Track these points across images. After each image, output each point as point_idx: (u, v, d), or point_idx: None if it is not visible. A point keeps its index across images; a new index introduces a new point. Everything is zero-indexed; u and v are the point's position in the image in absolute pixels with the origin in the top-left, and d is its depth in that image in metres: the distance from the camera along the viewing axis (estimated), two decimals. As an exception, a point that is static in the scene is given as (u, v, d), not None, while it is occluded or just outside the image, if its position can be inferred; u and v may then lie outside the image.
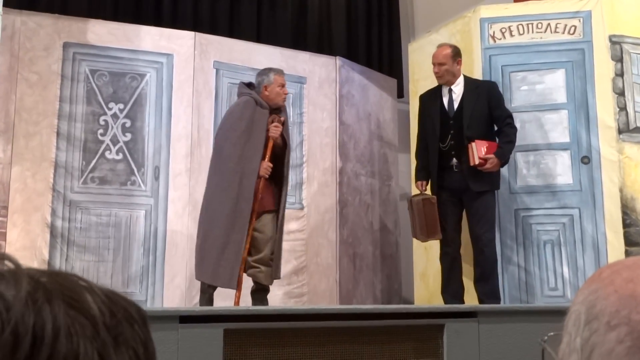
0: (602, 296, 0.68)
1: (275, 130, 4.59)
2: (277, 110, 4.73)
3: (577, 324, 0.69)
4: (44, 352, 0.50)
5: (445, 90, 4.98)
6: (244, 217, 4.46)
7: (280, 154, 4.70)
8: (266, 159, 4.56)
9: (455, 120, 4.88)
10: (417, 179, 5.03)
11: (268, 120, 4.63)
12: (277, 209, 4.67)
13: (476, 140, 4.73)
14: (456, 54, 4.98)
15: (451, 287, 4.88)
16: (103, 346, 0.53)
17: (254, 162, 4.52)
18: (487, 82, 5.21)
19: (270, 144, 4.58)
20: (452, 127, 4.88)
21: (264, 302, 4.57)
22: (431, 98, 5.05)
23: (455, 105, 4.92)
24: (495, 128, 4.95)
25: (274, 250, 4.61)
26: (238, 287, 4.47)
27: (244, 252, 4.44)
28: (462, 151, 4.80)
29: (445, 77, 4.94)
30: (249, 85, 4.81)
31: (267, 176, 4.54)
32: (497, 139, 4.88)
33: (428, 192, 4.95)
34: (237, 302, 4.49)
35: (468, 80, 5.02)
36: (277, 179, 4.71)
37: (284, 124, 4.73)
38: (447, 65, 4.92)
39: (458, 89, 4.95)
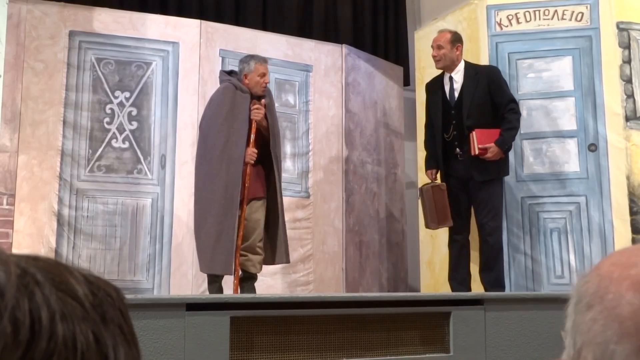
0: (588, 280, 0.71)
1: (257, 113, 4.54)
2: (259, 96, 4.68)
3: (570, 308, 0.72)
4: (43, 336, 0.50)
5: (446, 79, 4.94)
6: (235, 203, 4.44)
7: (267, 138, 4.67)
8: (250, 145, 4.54)
9: (456, 110, 4.85)
10: (427, 168, 5.01)
11: (250, 105, 4.59)
12: (265, 196, 4.64)
13: (476, 130, 4.70)
14: (455, 39, 4.92)
15: (459, 274, 4.87)
16: (94, 325, 0.53)
17: (239, 147, 4.49)
18: (488, 67, 5.16)
19: (254, 129, 4.55)
20: (454, 117, 4.85)
21: (252, 290, 4.56)
22: (434, 87, 5.02)
23: (456, 95, 4.88)
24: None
25: (263, 237, 4.60)
26: (235, 274, 4.48)
27: (237, 238, 4.44)
28: (464, 141, 4.77)
29: (443, 62, 4.90)
30: (230, 72, 4.78)
31: (252, 162, 4.52)
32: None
33: (438, 180, 4.94)
34: (235, 290, 4.50)
35: (468, 67, 4.95)
36: (266, 165, 4.68)
37: (269, 108, 4.67)
38: (445, 50, 4.87)
39: (458, 76, 4.90)
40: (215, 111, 4.59)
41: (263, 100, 4.65)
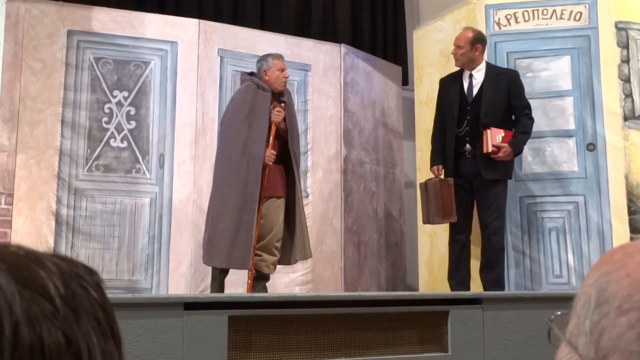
0: (613, 279, 0.66)
1: (277, 115, 4.62)
2: (280, 94, 4.74)
3: (587, 306, 0.67)
4: (6, 348, 0.45)
5: (466, 75, 4.95)
6: (254, 200, 4.49)
7: (286, 138, 4.73)
8: (269, 147, 4.57)
9: (473, 106, 4.85)
10: (433, 163, 4.96)
11: (270, 106, 4.64)
12: (285, 196, 4.69)
13: (492, 128, 4.71)
14: (476, 40, 4.92)
15: (459, 274, 4.87)
16: (65, 323, 0.49)
17: (259, 146, 4.55)
18: (509, 70, 5.17)
19: (274, 130, 4.60)
20: (469, 112, 4.85)
21: (264, 290, 4.59)
22: (452, 82, 5.01)
23: (475, 91, 4.89)
24: (513, 118, 4.93)
25: (280, 237, 4.63)
26: (249, 275, 4.50)
27: (254, 236, 4.46)
28: (477, 138, 4.78)
29: (461, 60, 4.91)
30: (250, 74, 4.85)
31: (270, 163, 4.55)
32: (513, 129, 4.86)
33: (443, 176, 4.93)
34: (249, 289, 4.51)
35: (490, 67, 4.99)
36: (287, 163, 4.73)
37: (288, 107, 4.74)
38: (464, 50, 4.89)
39: (479, 75, 4.92)
40: (236, 109, 4.65)
41: (283, 104, 4.72)
